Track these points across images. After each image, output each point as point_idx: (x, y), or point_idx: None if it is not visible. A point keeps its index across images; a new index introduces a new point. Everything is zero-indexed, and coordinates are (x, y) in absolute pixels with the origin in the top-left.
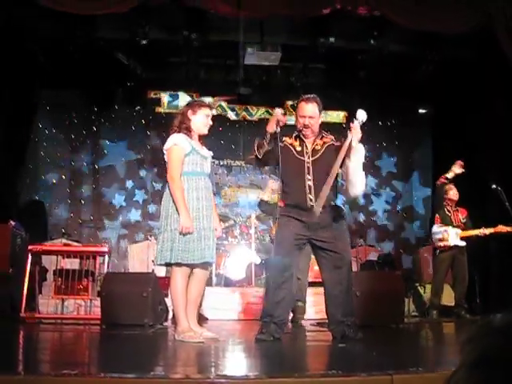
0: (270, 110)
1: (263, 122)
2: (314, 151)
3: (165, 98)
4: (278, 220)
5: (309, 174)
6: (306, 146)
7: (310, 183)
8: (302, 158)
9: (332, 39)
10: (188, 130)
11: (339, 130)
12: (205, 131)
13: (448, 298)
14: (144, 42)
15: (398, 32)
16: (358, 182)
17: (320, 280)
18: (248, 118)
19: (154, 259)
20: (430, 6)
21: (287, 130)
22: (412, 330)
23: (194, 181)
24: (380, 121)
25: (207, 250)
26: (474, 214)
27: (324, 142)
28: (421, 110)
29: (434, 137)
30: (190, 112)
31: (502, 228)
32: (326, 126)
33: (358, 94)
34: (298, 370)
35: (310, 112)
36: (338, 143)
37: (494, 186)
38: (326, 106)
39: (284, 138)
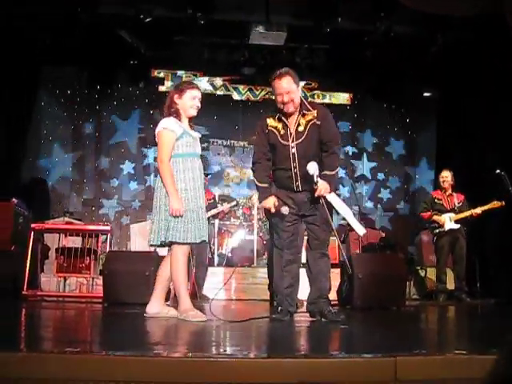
0: None
1: (267, 103)
2: (298, 133)
3: (168, 76)
4: None
5: (294, 161)
6: (290, 128)
7: (296, 171)
8: (286, 142)
9: (338, 20)
10: (176, 114)
11: (344, 111)
12: (192, 113)
13: (449, 282)
14: (148, 19)
15: (405, 14)
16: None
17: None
18: (252, 98)
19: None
20: None
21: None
22: (414, 313)
23: (188, 162)
24: (384, 103)
25: (204, 230)
26: (477, 199)
27: (307, 121)
28: (426, 94)
29: (439, 120)
30: (176, 96)
31: (495, 204)
32: (331, 108)
33: (363, 75)
34: (300, 350)
35: (286, 88)
36: (319, 122)
37: (497, 171)
38: (330, 88)
39: (268, 121)
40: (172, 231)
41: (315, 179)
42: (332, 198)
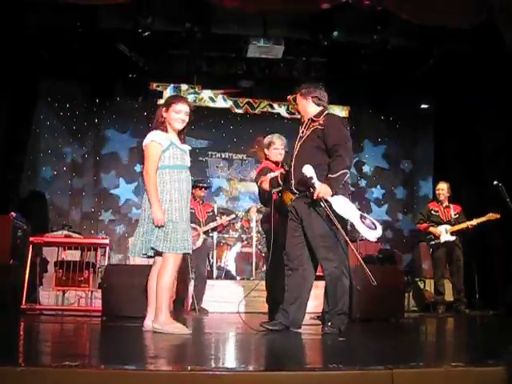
0: (273, 104)
1: (265, 115)
2: (302, 136)
3: (167, 90)
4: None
5: (292, 160)
6: (301, 132)
7: (292, 169)
8: (295, 144)
9: (335, 33)
10: (164, 127)
11: None
12: (178, 127)
13: (449, 293)
14: (147, 33)
15: (401, 26)
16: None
17: (319, 273)
18: (250, 111)
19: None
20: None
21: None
22: (412, 325)
23: (175, 173)
24: (382, 115)
25: (188, 242)
26: (475, 211)
27: (312, 126)
28: (423, 106)
29: (436, 132)
30: (163, 109)
31: (491, 216)
32: None
33: (360, 88)
34: (298, 363)
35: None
36: (322, 127)
37: (495, 183)
38: (328, 101)
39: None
40: (154, 241)
41: (312, 182)
42: (335, 200)
